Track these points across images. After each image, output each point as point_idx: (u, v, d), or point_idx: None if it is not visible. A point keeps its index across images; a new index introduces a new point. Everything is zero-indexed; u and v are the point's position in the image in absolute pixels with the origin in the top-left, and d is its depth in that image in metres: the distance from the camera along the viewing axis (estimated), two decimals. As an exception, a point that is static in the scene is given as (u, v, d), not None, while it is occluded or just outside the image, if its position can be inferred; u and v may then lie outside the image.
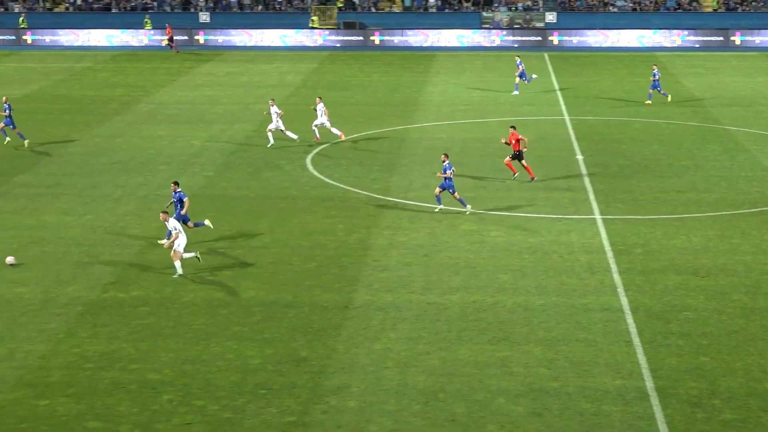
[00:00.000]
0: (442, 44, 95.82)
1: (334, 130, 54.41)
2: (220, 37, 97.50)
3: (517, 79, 69.25)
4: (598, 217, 41.10)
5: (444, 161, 41.07)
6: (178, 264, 34.65)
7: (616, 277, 34.37)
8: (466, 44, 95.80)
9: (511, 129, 46.11)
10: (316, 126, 54.31)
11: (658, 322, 30.66)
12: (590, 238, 38.39)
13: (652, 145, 53.92)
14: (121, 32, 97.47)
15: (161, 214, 35.54)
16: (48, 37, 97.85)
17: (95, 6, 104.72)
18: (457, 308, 31.76)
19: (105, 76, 78.31)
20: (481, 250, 37.24)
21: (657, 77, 65.29)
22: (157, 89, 71.97)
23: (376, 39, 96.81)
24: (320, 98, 55.25)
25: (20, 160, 50.79)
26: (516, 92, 68.96)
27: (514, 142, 45.72)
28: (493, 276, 34.59)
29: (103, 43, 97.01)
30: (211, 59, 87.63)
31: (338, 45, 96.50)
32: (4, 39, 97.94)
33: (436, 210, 41.74)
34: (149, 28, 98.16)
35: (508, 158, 46.38)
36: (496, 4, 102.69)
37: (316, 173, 47.87)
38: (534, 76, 70.80)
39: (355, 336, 29.79)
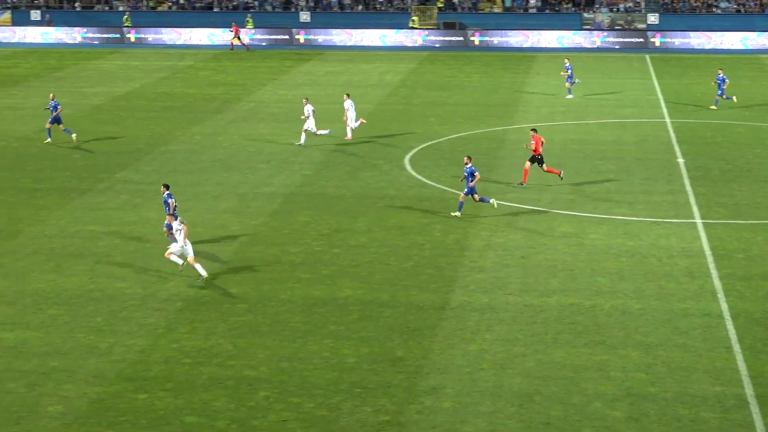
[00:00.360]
0: (542, 45, 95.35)
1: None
2: (320, 37, 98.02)
3: (567, 83, 68.38)
4: (698, 221, 40.61)
5: (467, 164, 40.94)
6: (198, 267, 34.30)
7: (717, 282, 33.93)
8: (566, 45, 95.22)
9: (533, 132, 45.54)
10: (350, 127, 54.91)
11: (759, 328, 30.21)
12: (690, 243, 37.95)
13: (755, 149, 53.15)
14: (223, 31, 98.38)
15: (168, 217, 35.87)
16: (151, 35, 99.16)
17: (197, 5, 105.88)
18: (554, 311, 31.60)
19: (206, 75, 79.16)
20: (578, 252, 37.00)
21: (722, 82, 63.74)
22: (257, 88, 72.57)
23: (476, 39, 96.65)
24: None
25: (123, 157, 51.54)
26: (570, 96, 68.18)
27: (535, 145, 45.02)
28: (590, 279, 34.35)
29: (205, 41, 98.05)
30: (311, 58, 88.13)
31: (437, 45, 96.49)
32: (108, 37, 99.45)
33: (453, 214, 41.41)
34: (251, 27, 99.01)
35: (528, 163, 45.76)
36: (597, 5, 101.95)
37: (414, 173, 47.92)
38: (578, 80, 69.61)
39: (450, 337, 29.77)
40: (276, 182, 46.59)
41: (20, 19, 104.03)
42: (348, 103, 55.10)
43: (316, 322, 30.89)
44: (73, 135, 54.46)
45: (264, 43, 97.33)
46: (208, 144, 54.43)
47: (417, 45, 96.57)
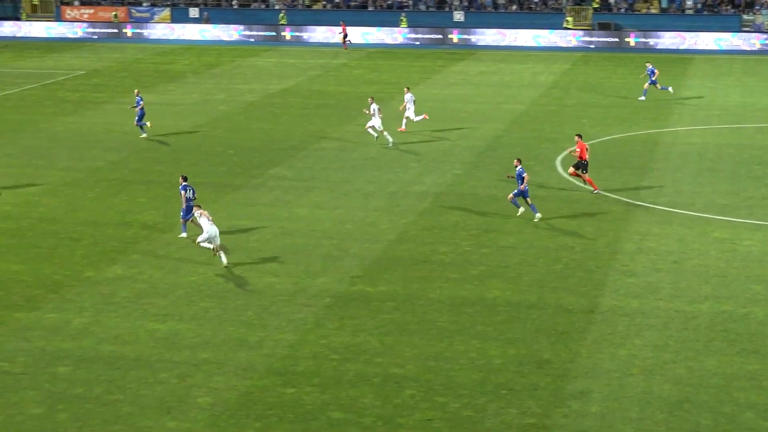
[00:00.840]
0: (700, 47, 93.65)
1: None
2: (474, 37, 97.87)
3: (646, 84, 66.80)
4: None
5: (517, 166, 40.64)
6: (221, 255, 35.54)
7: None
8: (724, 47, 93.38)
9: (577, 138, 44.82)
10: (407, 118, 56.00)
11: None
12: None
13: None
14: (377, 29, 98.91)
15: (195, 209, 36.63)
16: (306, 33, 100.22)
17: (352, 3, 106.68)
18: (706, 317, 31.02)
19: (360, 73, 79.69)
20: (732, 258, 36.27)
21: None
22: (410, 87, 72.62)
23: (631, 41, 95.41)
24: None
25: (276, 153, 52.19)
26: (642, 98, 66.63)
27: (580, 152, 44.26)
28: (744, 286, 33.64)
29: (359, 40, 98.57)
30: (464, 58, 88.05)
31: (592, 46, 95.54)
32: (264, 35, 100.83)
33: (518, 214, 41.16)
34: (405, 26, 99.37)
35: (572, 168, 45.04)
36: (757, 7, 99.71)
37: (565, 175, 47.53)
38: (670, 89, 67.66)
39: (599, 341, 29.45)
40: (427, 181, 46.68)
41: (179, 17, 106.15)
42: (408, 96, 56.14)
43: (463, 322, 30.86)
44: (148, 123, 56.21)
45: (417, 43, 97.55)
46: (361, 142, 54.76)
47: (571, 45, 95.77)
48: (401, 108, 57.03)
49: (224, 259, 35.64)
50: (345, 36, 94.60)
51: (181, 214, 38.93)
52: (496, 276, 34.68)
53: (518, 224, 40.22)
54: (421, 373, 27.46)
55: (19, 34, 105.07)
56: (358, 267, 35.54)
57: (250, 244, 38.13)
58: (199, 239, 35.88)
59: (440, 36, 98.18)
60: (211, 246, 35.74)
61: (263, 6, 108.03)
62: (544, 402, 25.87)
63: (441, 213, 41.58)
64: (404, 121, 56.48)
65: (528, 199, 40.85)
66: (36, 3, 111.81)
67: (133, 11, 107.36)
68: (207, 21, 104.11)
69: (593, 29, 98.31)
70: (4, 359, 28.56)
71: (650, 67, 67.38)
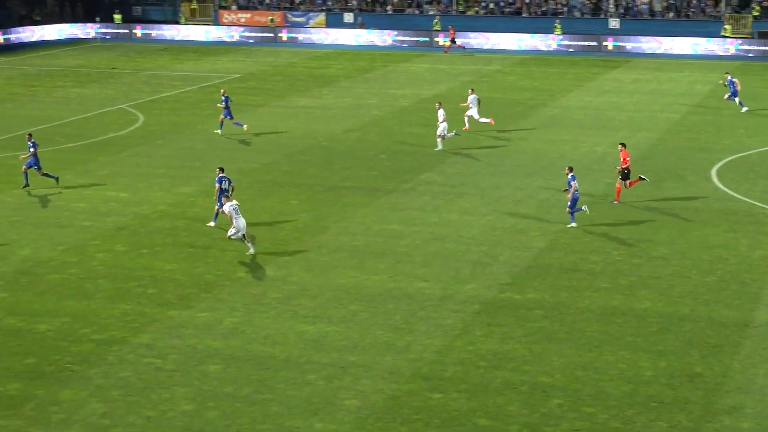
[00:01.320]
0: None
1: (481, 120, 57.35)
2: (629, 44, 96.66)
3: (732, 98, 64.75)
4: None
5: (568, 174, 40.37)
6: (248, 243, 37.58)
7: None
8: None
9: (621, 146, 44.23)
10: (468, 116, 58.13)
11: None
12: None
13: None
14: (531, 36, 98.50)
15: (223, 199, 38.30)
16: (459, 39, 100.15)
17: (506, 10, 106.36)
18: None
19: (512, 80, 79.39)
20: None
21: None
22: (563, 94, 72.25)
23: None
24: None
25: (427, 158, 52.28)
26: (744, 108, 64.44)
27: (623, 161, 43.64)
28: None
29: (513, 46, 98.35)
30: (618, 65, 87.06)
31: (751, 55, 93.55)
32: (417, 40, 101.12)
33: (569, 226, 40.54)
34: (559, 33, 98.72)
35: (620, 180, 44.26)
36: None
37: (720, 185, 46.64)
38: (745, 108, 65.23)
39: (753, 355, 28.80)
40: (579, 189, 46.20)
41: (334, 22, 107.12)
42: (472, 98, 58.44)
43: (613, 332, 30.48)
44: (245, 126, 58.19)
45: (571, 50, 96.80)
46: (512, 149, 54.55)
47: (729, 54, 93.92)
48: (464, 105, 59.16)
49: (251, 249, 37.46)
50: (453, 41, 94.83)
51: (217, 204, 40.41)
52: (647, 287, 34.19)
53: (671, 235, 39.59)
54: (569, 383, 27.21)
55: (177, 38, 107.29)
56: (507, 274, 35.39)
57: (399, 249, 38.26)
58: (230, 233, 37.41)
59: (595, 43, 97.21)
60: (240, 235, 37.30)
61: (417, 12, 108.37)
62: (694, 416, 25.40)
63: (592, 221, 41.14)
64: (466, 119, 58.46)
65: (575, 207, 40.68)
66: (195, 7, 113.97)
67: (289, 16, 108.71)
68: (361, 26, 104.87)
69: (752, 38, 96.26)
70: (158, 356, 29.14)
71: (729, 77, 65.69)
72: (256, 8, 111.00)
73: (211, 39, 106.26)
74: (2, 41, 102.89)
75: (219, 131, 58.54)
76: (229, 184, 40.79)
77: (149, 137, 58.20)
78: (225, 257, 37.51)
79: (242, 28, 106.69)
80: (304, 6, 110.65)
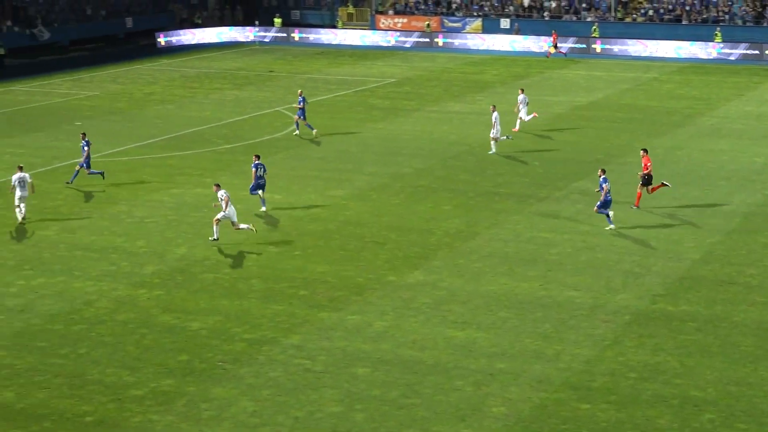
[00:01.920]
0: None
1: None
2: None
3: None
4: None
5: (600, 176, 40.20)
6: (215, 228, 39.77)
7: None
8: None
9: (643, 152, 43.95)
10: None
11: None
12: None
13: None
14: (690, 44, 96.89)
15: (213, 186, 40.33)
16: (616, 46, 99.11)
17: (665, 17, 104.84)
18: None
19: (670, 88, 78.19)
20: None
21: None
22: (721, 103, 70.89)
23: None
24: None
25: (581, 166, 51.85)
26: None
27: (644, 167, 43.39)
28: None
29: (671, 54, 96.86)
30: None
31: None
32: (575, 47, 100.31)
33: (608, 229, 40.22)
34: (719, 41, 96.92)
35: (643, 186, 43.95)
36: None
37: None
38: None
39: None
40: (736, 200, 45.37)
41: (490, 27, 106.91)
42: (521, 98, 59.63)
43: (768, 347, 29.85)
44: (314, 130, 59.39)
45: (732, 58, 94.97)
46: (667, 158, 53.73)
47: None
48: (515, 110, 59.97)
49: (243, 226, 39.69)
50: (555, 46, 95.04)
51: (250, 188, 44.22)
52: (806, 302, 33.37)
53: (832, 249, 38.59)
54: (721, 398, 26.70)
55: (334, 42, 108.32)
56: (660, 285, 34.89)
57: (550, 257, 38.02)
58: (219, 216, 39.55)
59: (757, 52, 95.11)
60: (243, 225, 39.68)
61: (575, 18, 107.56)
62: None
63: (750, 233, 40.31)
64: (518, 122, 59.64)
65: (607, 209, 40.66)
66: (352, 12, 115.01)
67: (446, 21, 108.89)
68: (518, 32, 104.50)
69: None
70: (307, 357, 29.46)
71: None
72: (412, 13, 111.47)
73: (367, 43, 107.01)
74: (164, 44, 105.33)
75: (297, 132, 59.87)
76: (264, 171, 44.09)
77: (304, 140, 58.88)
78: (376, 261, 37.73)
79: (398, 33, 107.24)
80: (461, 12, 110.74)
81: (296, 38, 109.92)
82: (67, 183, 48.73)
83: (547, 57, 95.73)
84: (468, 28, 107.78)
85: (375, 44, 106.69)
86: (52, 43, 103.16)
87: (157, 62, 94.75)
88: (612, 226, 40.86)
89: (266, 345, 30.35)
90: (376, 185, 48.42)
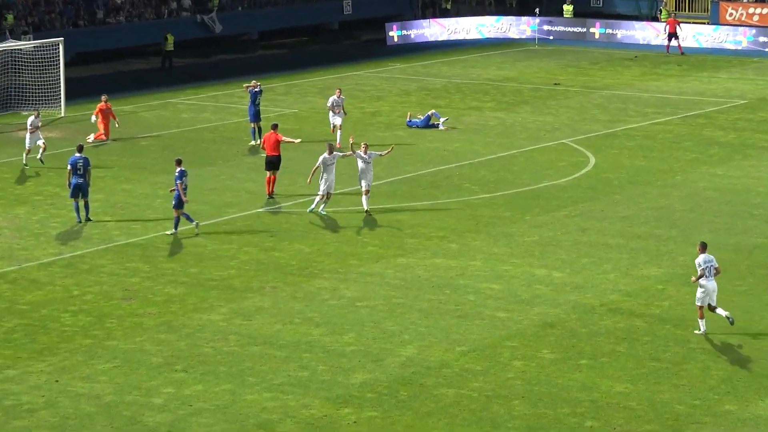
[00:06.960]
0: None
1: None
2: None
3: None
4: None
5: None
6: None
7: None
8: None
9: None
10: None
11: None
12: None
13: None
14: None
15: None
16: None
17: None
18: None
19: None
20: None
21: None
22: None
23: None
24: None
25: None
26: None
27: None
28: None
29: None
30: None
31: None
32: None
33: None
34: None
35: None
36: None
37: None
38: None
39: None
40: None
41: None
42: None
43: None
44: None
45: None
46: None
47: None
48: None
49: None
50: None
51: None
52: None
53: None
54: None
55: (654, 42, 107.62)
56: None
57: None
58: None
59: None
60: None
61: None
62: None
63: None
64: None
65: None
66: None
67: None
68: None
69: None
70: None
71: None
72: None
73: (704, 45, 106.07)
74: (397, 39, 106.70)
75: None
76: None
77: (602, 189, 58.52)
78: (707, 379, 36.95)
79: (755, 30, 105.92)
80: None
81: (596, 35, 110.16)
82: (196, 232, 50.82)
83: (667, 53, 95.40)
84: None
85: (717, 46, 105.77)
86: (237, 35, 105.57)
87: (387, 66, 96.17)
88: None
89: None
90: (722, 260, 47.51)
